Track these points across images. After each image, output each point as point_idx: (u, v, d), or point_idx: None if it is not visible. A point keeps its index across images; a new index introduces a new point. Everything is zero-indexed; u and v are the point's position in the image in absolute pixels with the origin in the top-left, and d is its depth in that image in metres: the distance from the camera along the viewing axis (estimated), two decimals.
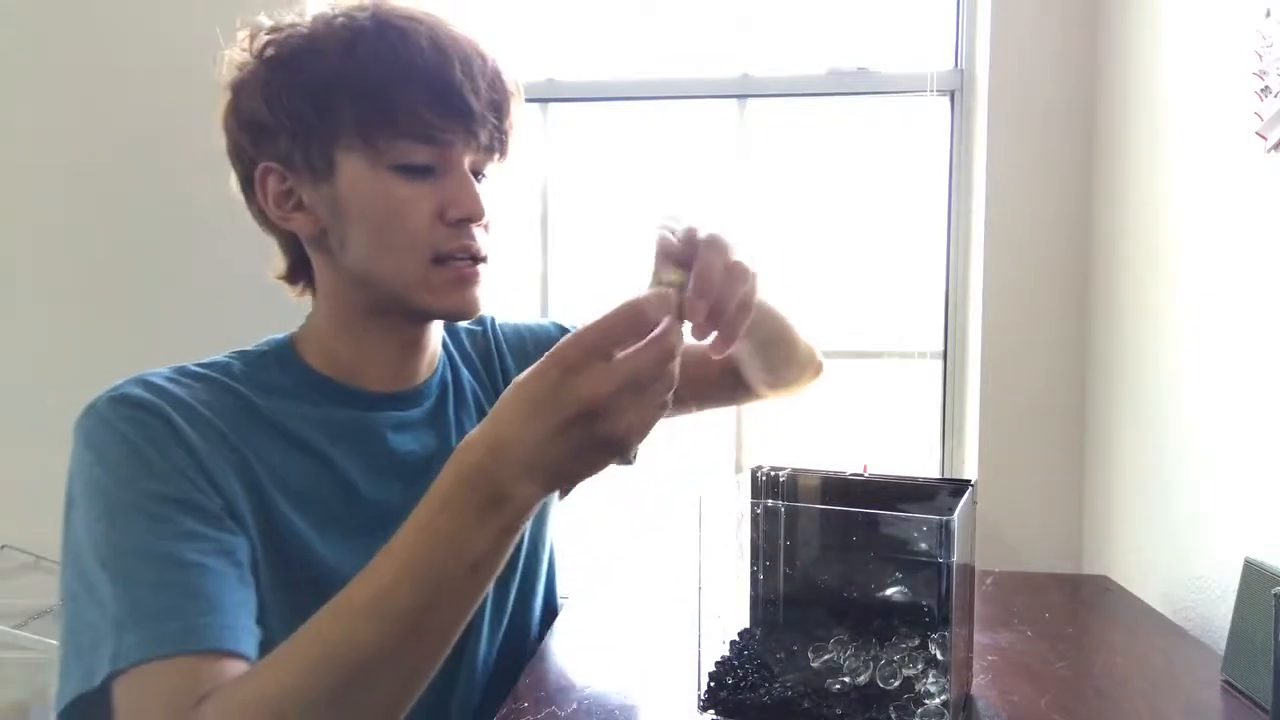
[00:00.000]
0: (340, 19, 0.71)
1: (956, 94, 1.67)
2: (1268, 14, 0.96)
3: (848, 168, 1.77)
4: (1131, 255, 1.37)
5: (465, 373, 0.87)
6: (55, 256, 1.77)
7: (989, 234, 1.56)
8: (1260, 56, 0.96)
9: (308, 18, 0.72)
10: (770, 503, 0.78)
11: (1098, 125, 1.51)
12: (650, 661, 0.88)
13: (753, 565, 0.74)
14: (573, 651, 0.90)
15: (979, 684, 0.79)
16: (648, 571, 1.23)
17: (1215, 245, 1.09)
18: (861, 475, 0.77)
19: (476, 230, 0.73)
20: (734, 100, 1.75)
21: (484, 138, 0.73)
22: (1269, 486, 0.95)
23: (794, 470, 0.81)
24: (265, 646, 0.62)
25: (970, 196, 1.64)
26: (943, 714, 0.66)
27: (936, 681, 0.67)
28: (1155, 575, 1.22)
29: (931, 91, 1.67)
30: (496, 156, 0.76)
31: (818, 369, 0.99)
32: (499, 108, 0.74)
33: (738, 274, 0.61)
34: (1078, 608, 1.07)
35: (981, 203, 1.57)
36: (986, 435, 1.58)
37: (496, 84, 0.74)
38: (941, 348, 1.70)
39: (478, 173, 0.75)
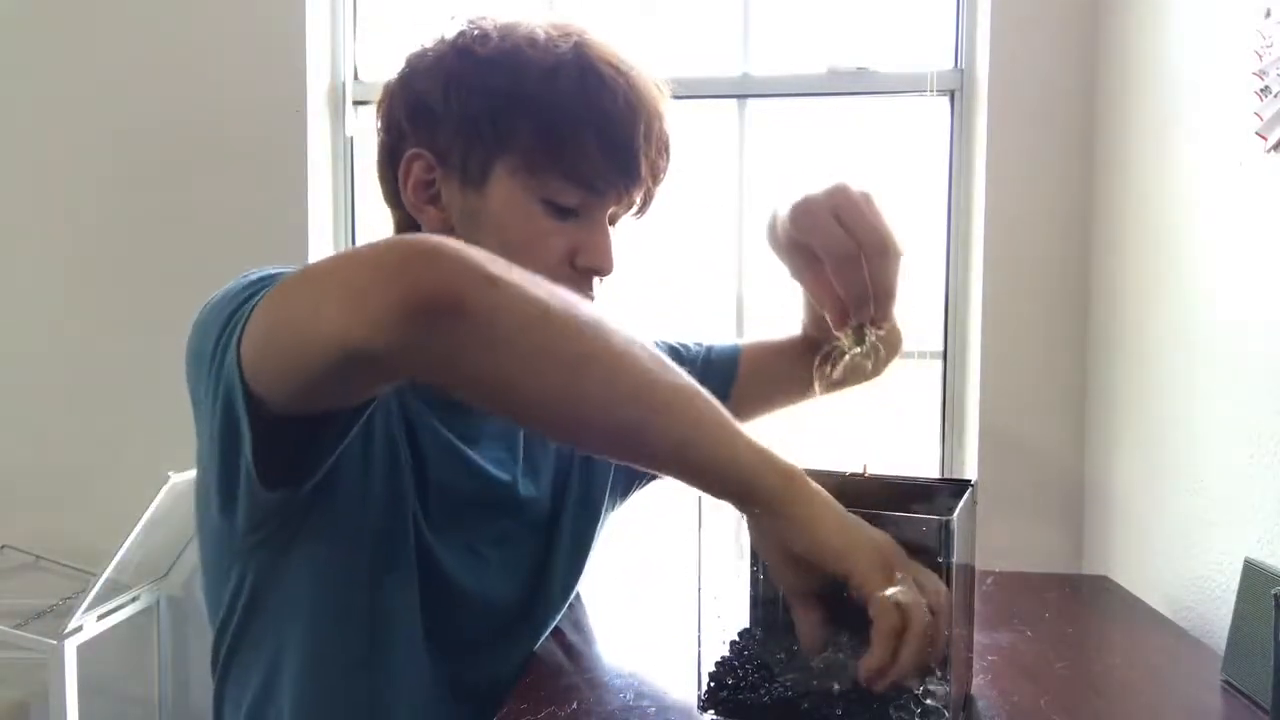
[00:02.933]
0: (544, 40, 0.70)
1: (956, 94, 1.67)
2: (1268, 14, 0.96)
3: (848, 168, 1.77)
4: (1131, 255, 1.37)
5: None
6: (54, 261, 1.77)
7: (989, 234, 1.56)
8: (1260, 56, 0.96)
9: (508, 22, 0.71)
10: None
11: (1097, 125, 1.51)
12: (650, 661, 0.88)
13: (753, 565, 0.74)
14: (573, 652, 0.90)
15: (979, 684, 0.79)
16: (648, 571, 1.23)
17: (1215, 245, 1.09)
18: (861, 475, 0.77)
19: (595, 280, 0.74)
20: (734, 100, 1.75)
21: (637, 197, 0.74)
22: (1269, 486, 0.95)
23: None
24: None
25: (970, 196, 1.64)
26: (943, 714, 0.66)
27: (937, 681, 0.67)
28: (1155, 575, 1.22)
29: (931, 91, 1.67)
30: (637, 213, 0.77)
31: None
32: (658, 171, 0.75)
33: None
34: (1078, 608, 1.07)
35: (981, 203, 1.57)
36: (986, 435, 1.58)
37: (664, 148, 0.75)
38: (941, 348, 1.70)
39: (613, 221, 0.75)
